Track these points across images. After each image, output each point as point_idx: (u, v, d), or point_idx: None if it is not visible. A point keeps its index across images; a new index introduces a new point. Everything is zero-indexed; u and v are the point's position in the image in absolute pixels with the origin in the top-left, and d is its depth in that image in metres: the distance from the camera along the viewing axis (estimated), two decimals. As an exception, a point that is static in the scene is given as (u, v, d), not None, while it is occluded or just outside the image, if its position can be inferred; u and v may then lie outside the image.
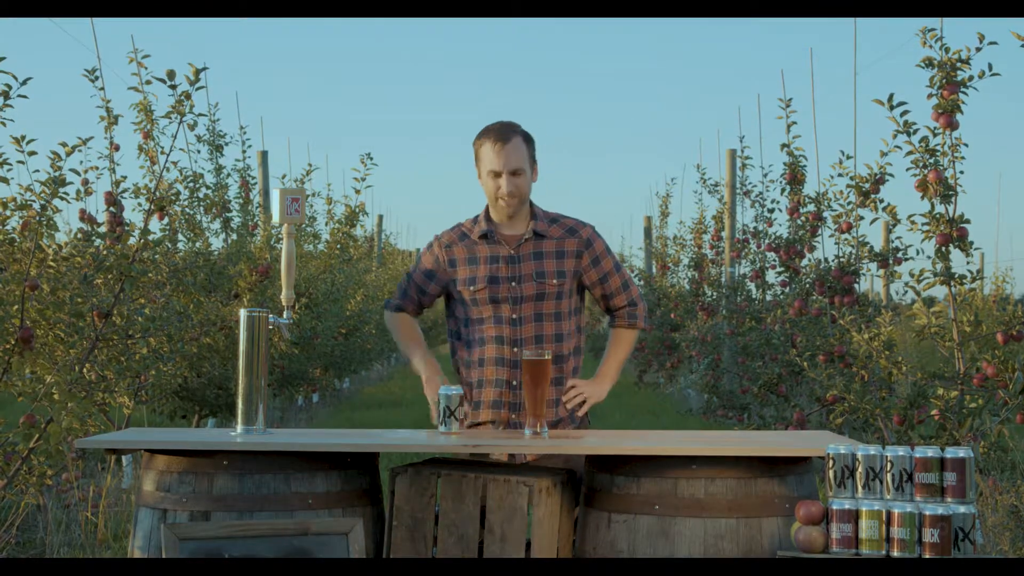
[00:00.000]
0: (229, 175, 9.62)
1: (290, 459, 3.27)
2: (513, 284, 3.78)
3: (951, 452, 2.99)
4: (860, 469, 3.02)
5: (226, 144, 9.56)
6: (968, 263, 5.46)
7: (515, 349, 3.75)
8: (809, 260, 7.17)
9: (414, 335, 3.98)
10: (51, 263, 5.11)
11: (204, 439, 3.40)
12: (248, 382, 3.45)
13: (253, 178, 10.58)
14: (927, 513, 2.92)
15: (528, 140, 3.80)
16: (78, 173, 4.86)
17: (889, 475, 3.01)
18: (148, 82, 6.11)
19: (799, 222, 7.44)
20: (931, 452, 2.99)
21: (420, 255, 3.95)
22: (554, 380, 3.76)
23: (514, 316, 3.78)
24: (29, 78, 4.60)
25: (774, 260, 8.84)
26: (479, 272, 3.81)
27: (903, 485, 3.00)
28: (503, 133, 3.75)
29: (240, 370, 3.46)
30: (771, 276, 9.68)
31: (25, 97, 4.63)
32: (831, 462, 3.05)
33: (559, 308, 3.81)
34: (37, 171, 5.30)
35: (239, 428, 3.46)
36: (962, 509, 2.93)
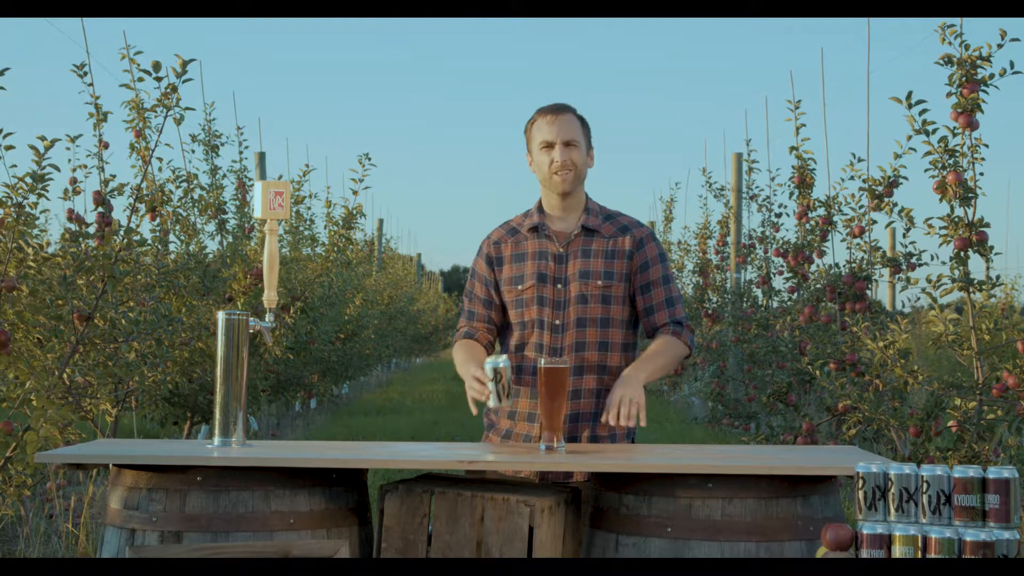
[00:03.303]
0: (225, 176, 9.43)
1: (270, 475, 3.02)
2: (559, 286, 3.48)
3: (994, 472, 2.75)
4: (893, 490, 2.78)
5: (222, 144, 9.37)
6: (988, 268, 5.28)
7: (554, 359, 3.37)
8: (818, 265, 6.97)
9: (471, 355, 3.50)
10: (31, 263, 4.89)
11: (176, 452, 3.12)
12: (226, 390, 3.20)
13: (250, 180, 10.37)
14: (968, 539, 2.68)
15: (583, 121, 3.53)
16: (57, 168, 4.64)
17: (925, 496, 2.77)
18: (140, 79, 5.91)
19: (808, 226, 7.26)
20: (972, 472, 2.75)
21: (473, 265, 3.62)
22: (596, 392, 3.50)
23: (556, 321, 3.48)
24: (7, 68, 4.39)
25: (781, 265, 8.65)
26: (526, 269, 3.52)
27: (940, 508, 2.76)
28: (557, 107, 3.49)
29: (218, 377, 3.20)
30: (778, 282, 9.51)
31: (2, 88, 4.42)
32: (861, 482, 2.81)
33: (606, 314, 3.48)
34: (14, 166, 5.11)
35: (216, 440, 3.21)
36: (1006, 535, 2.70)
